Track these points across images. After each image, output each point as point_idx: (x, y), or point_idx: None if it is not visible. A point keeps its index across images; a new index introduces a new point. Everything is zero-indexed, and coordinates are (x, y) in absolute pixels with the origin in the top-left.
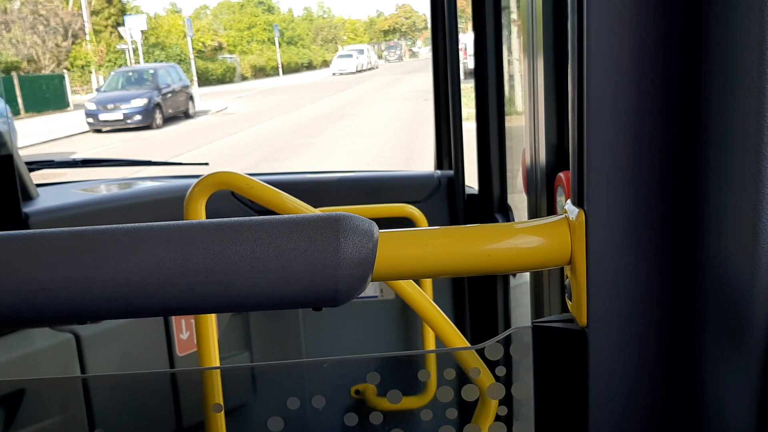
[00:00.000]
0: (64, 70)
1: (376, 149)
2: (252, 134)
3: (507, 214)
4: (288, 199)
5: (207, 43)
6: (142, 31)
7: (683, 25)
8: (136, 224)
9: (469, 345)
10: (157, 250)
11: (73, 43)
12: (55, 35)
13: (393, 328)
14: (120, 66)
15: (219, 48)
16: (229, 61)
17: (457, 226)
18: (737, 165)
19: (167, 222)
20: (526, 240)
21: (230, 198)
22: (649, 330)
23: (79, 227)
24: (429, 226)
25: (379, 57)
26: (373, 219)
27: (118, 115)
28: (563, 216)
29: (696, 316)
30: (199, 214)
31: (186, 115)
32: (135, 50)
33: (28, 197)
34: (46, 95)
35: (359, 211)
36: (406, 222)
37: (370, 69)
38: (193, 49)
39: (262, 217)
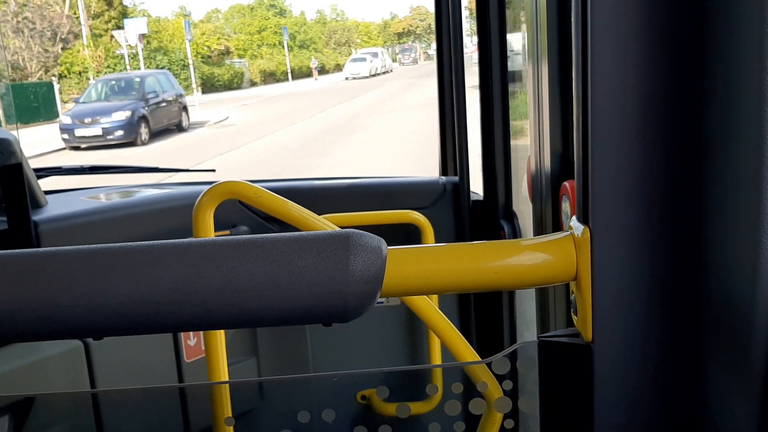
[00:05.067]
0: (53, 77)
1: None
2: (249, 152)
3: (512, 221)
4: (294, 207)
5: (213, 47)
6: (143, 35)
7: (686, 44)
8: (150, 242)
9: (476, 357)
10: (171, 268)
11: (62, 48)
12: (42, 39)
13: (398, 333)
14: (120, 72)
15: (226, 52)
16: (237, 66)
17: (465, 243)
18: (739, 184)
19: (180, 240)
20: (532, 256)
21: (238, 206)
22: (654, 345)
23: (94, 245)
24: (434, 232)
25: (394, 60)
26: (379, 225)
27: (96, 131)
28: (568, 233)
29: (699, 331)
30: (207, 223)
31: (179, 128)
32: (135, 55)
33: (37, 205)
34: (33, 105)
35: (365, 218)
36: (411, 228)
37: (384, 73)
38: (199, 53)
39: (273, 234)
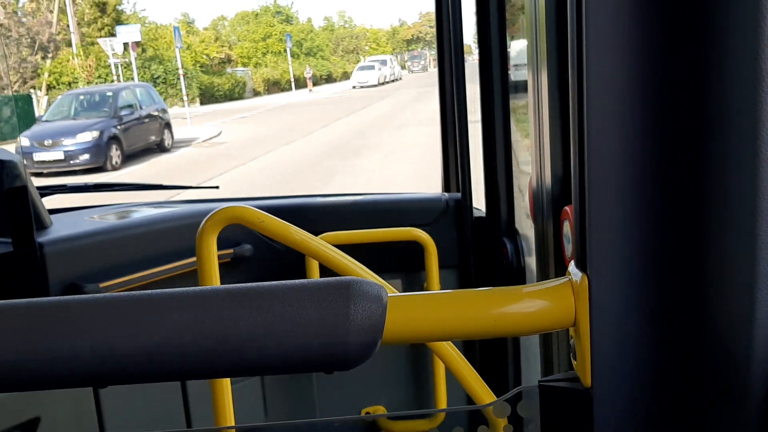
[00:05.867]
0: (31, 90)
1: None
2: (235, 179)
3: (515, 239)
4: (296, 231)
5: (212, 55)
6: (137, 43)
7: (685, 77)
8: (153, 291)
9: (490, 394)
10: (173, 319)
11: (43, 57)
12: (19, 47)
13: (403, 352)
14: (111, 83)
15: (227, 60)
16: (239, 75)
17: (464, 290)
18: (737, 233)
19: (183, 289)
20: (530, 304)
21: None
22: (653, 392)
23: (98, 295)
24: (437, 250)
25: (403, 67)
26: (382, 243)
27: (57, 154)
28: (567, 279)
29: (699, 378)
30: (210, 248)
31: (160, 148)
32: (128, 64)
33: (42, 226)
34: (9, 120)
35: (368, 236)
36: (414, 246)
37: (393, 81)
38: (198, 62)
39: (274, 283)
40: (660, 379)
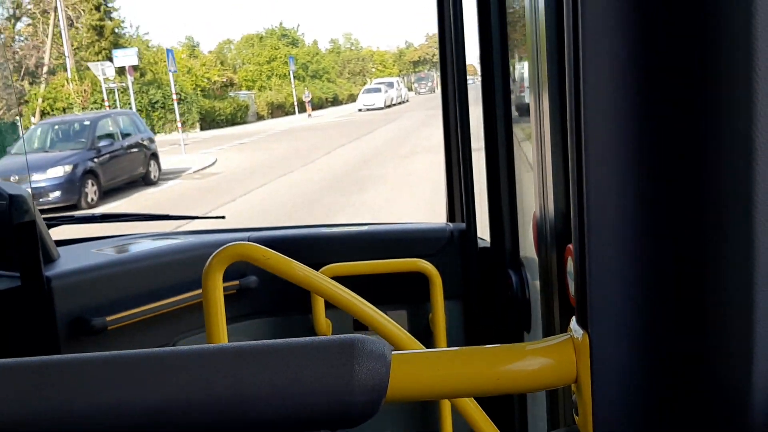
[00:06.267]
0: (17, 117)
1: None
2: (219, 222)
3: (519, 270)
4: (301, 268)
5: (214, 78)
6: (134, 67)
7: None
8: (160, 350)
9: None
10: (181, 378)
11: (31, 82)
12: (3, 72)
13: None
14: (106, 109)
15: (230, 84)
16: (241, 99)
17: (468, 348)
18: (738, 292)
19: (190, 347)
20: (533, 362)
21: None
22: None
23: (105, 353)
24: (442, 281)
25: (410, 89)
26: (387, 274)
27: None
28: (568, 336)
29: None
30: (216, 284)
31: (146, 181)
32: (125, 89)
33: (50, 259)
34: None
35: (372, 267)
36: (419, 277)
37: (400, 103)
38: (198, 86)
39: (279, 341)
40: None
